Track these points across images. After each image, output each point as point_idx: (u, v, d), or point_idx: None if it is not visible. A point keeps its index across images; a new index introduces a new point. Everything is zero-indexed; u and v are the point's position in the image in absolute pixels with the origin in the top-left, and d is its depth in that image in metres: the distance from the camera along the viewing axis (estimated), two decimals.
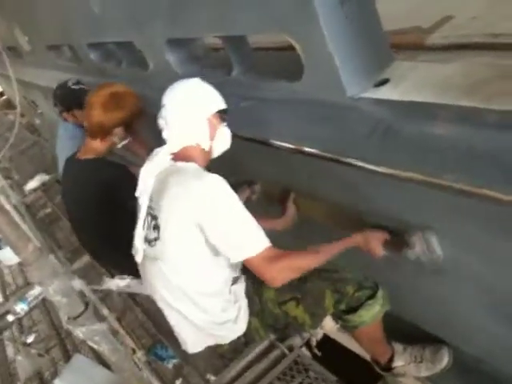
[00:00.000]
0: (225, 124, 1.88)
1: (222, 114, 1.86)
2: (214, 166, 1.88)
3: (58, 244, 4.18)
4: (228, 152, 1.91)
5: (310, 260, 1.75)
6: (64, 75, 4.34)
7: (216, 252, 1.70)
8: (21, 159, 6.40)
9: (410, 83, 1.51)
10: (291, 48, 1.70)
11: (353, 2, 1.55)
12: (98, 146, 2.32)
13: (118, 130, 2.30)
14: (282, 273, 1.67)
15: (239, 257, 1.67)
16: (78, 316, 1.53)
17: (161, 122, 1.82)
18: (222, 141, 1.89)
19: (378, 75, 1.61)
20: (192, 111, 1.80)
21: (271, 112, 2.01)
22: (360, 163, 1.57)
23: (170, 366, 2.66)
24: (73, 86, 2.89)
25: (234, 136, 1.89)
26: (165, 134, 1.82)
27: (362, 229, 1.86)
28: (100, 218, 2.32)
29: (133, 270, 2.02)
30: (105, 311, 1.61)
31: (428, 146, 1.38)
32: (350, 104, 1.62)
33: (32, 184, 4.83)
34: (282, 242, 1.70)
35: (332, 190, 1.97)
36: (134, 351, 2.61)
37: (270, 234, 1.66)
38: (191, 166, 1.77)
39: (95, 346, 1.56)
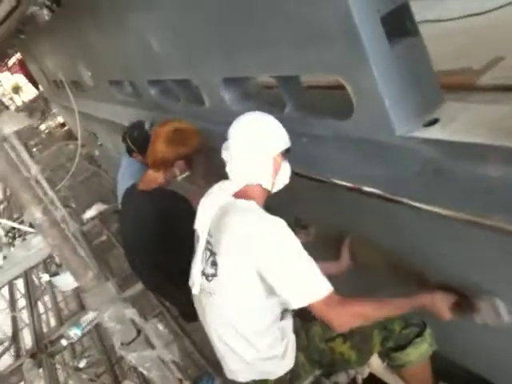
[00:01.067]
0: (286, 160, 1.90)
1: (285, 152, 1.88)
2: (270, 202, 1.92)
3: (111, 271, 4.32)
4: (283, 188, 1.94)
5: (376, 310, 1.72)
6: (124, 109, 4.58)
7: (271, 292, 1.70)
8: (79, 189, 6.69)
9: (460, 124, 1.52)
10: (342, 87, 1.75)
11: (403, 43, 1.59)
12: (158, 177, 2.43)
13: (180, 163, 2.41)
14: (347, 320, 1.67)
15: (302, 302, 1.66)
16: (131, 342, 1.59)
17: (225, 155, 1.84)
18: (283, 177, 1.91)
19: (428, 115, 1.63)
20: (259, 150, 1.81)
21: (324, 149, 2.04)
22: (411, 202, 1.58)
23: None
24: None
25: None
26: (228, 169, 1.84)
27: (431, 288, 1.79)
28: (156, 246, 2.40)
29: (183, 300, 2.07)
30: (154, 340, 1.66)
31: (478, 187, 1.38)
32: (400, 143, 1.64)
33: (90, 213, 5.03)
34: (337, 289, 1.68)
35: (384, 233, 1.96)
36: (180, 381, 2.65)
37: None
38: (252, 206, 1.78)
39: (145, 372, 1.61)
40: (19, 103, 17.98)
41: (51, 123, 14.70)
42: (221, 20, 2.18)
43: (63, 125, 13.07)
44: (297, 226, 2.47)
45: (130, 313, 1.58)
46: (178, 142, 2.39)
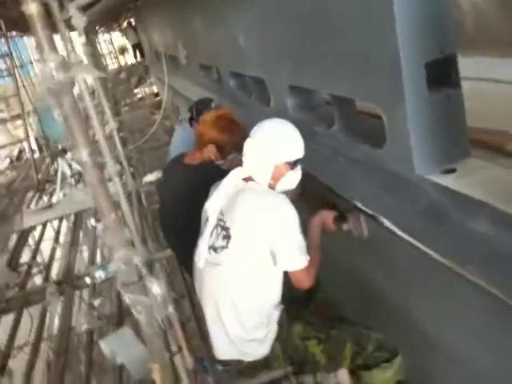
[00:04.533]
0: (297, 168, 2.04)
1: (293, 162, 2.02)
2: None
3: (156, 237, 4.50)
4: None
5: (317, 260, 2.02)
6: (205, 92, 4.86)
7: (274, 263, 1.93)
8: (150, 154, 7.05)
9: (474, 179, 1.61)
10: None
11: (442, 91, 1.70)
12: (199, 156, 2.63)
13: (211, 146, 2.59)
14: (310, 277, 1.98)
15: (294, 267, 1.94)
16: (130, 284, 1.80)
17: (244, 148, 2.06)
18: (286, 183, 2.05)
19: (449, 164, 1.73)
20: (264, 154, 1.99)
21: (354, 172, 2.19)
22: (408, 238, 1.71)
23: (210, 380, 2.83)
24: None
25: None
26: (244, 159, 2.06)
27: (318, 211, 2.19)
28: (191, 215, 2.55)
29: None
30: (155, 288, 1.85)
31: (464, 237, 1.48)
32: (416, 182, 1.76)
33: (149, 177, 5.33)
34: None
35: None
36: (180, 349, 2.83)
37: None
38: (260, 186, 2.00)
39: (135, 313, 1.81)
40: (122, 63, 18.97)
41: (147, 90, 15.43)
42: (297, 33, 2.38)
43: (157, 95, 13.65)
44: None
45: (137, 259, 1.79)
46: (214, 126, 2.58)
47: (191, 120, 3.40)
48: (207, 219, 2.06)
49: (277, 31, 2.66)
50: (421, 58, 1.63)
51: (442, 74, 1.70)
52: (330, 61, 2.12)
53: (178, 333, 3.02)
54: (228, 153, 2.64)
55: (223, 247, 1.97)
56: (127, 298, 1.83)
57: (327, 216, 2.18)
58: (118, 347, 2.50)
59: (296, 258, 1.92)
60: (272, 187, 2.04)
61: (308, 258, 1.94)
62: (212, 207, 2.06)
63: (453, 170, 1.69)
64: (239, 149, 2.67)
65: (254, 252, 1.93)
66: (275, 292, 2.02)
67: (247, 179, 2.04)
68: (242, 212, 1.94)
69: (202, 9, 4.26)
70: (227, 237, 1.97)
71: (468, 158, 1.76)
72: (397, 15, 1.59)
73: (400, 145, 1.79)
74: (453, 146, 1.75)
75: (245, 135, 2.67)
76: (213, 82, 4.80)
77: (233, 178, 2.05)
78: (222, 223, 2.01)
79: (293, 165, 2.02)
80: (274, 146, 1.99)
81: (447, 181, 1.65)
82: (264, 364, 2.08)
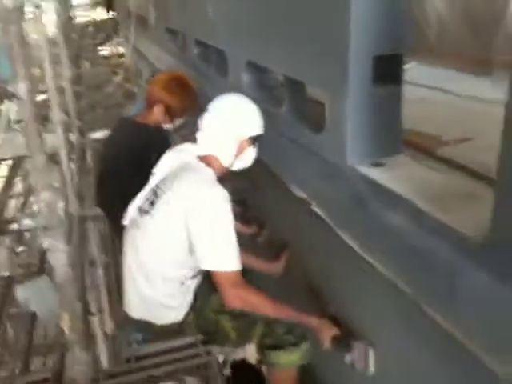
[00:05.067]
0: (254, 146, 2.09)
1: (254, 138, 2.06)
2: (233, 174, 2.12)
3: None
4: (250, 170, 2.14)
5: (266, 306, 1.92)
6: (169, 58, 4.80)
7: (191, 251, 1.90)
8: (102, 114, 6.90)
9: (398, 175, 1.67)
10: None
11: (385, 87, 1.75)
12: (146, 116, 2.62)
13: (159, 107, 2.57)
14: (238, 300, 1.87)
15: (209, 266, 1.87)
16: (52, 229, 1.77)
17: (199, 123, 2.04)
18: (244, 160, 2.10)
19: (380, 158, 1.78)
20: (227, 130, 2.00)
21: (295, 153, 2.22)
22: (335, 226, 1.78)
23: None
24: None
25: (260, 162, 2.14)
26: (198, 135, 2.04)
27: (322, 317, 2.02)
28: (125, 175, 2.53)
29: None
30: (74, 239, 1.84)
31: (379, 228, 1.55)
32: (346, 171, 1.81)
33: (98, 134, 5.22)
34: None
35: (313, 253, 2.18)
36: (100, 311, 2.81)
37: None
38: (208, 173, 1.98)
39: (50, 260, 1.79)
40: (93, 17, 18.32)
41: (113, 49, 14.98)
42: (260, 10, 2.40)
43: (122, 55, 13.31)
44: (256, 220, 2.70)
45: (61, 205, 1.77)
46: (165, 87, 2.57)
47: None
48: (150, 181, 2.06)
49: (243, 5, 2.66)
50: (370, 50, 1.66)
51: (387, 71, 1.75)
52: (286, 42, 2.14)
53: (101, 296, 3.01)
54: (176, 116, 2.65)
55: (147, 212, 1.98)
56: (45, 242, 1.80)
57: (327, 331, 1.97)
58: (33, 295, 2.47)
59: (217, 257, 1.86)
60: (230, 164, 2.05)
61: (239, 267, 1.86)
62: (157, 171, 2.05)
63: (382, 164, 1.75)
64: (188, 114, 2.68)
65: (171, 232, 1.91)
66: (191, 267, 2.01)
67: (202, 158, 2.01)
68: (174, 189, 1.92)
69: None
70: (153, 204, 1.97)
71: (398, 154, 1.82)
72: (353, 5, 1.62)
73: (336, 133, 1.83)
74: (386, 142, 1.81)
75: (196, 102, 2.68)
76: (177, 49, 4.73)
77: (188, 153, 2.02)
78: (157, 189, 2.00)
79: (253, 141, 2.05)
80: (239, 120, 2.00)
81: (374, 173, 1.70)
82: (176, 330, 2.11)
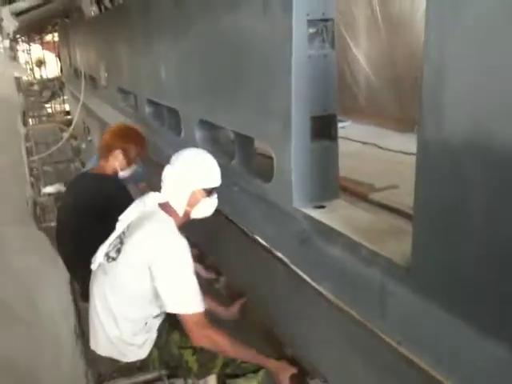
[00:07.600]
0: (213, 196, 2.25)
1: (210, 189, 2.22)
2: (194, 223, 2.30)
3: None
4: (210, 220, 2.33)
5: (230, 347, 2.11)
6: (121, 116, 5.03)
7: (155, 296, 2.08)
8: (52, 168, 6.99)
9: (337, 215, 1.96)
10: None
11: (321, 142, 2.05)
12: (104, 165, 2.82)
13: (117, 152, 2.79)
14: (205, 339, 2.08)
15: (175, 310, 2.06)
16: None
17: (162, 174, 2.21)
18: (202, 210, 2.25)
19: (321, 201, 2.07)
20: (182, 181, 2.16)
21: (246, 202, 2.49)
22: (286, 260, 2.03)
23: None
24: None
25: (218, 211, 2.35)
26: (162, 185, 2.22)
27: (280, 359, 2.24)
28: (86, 226, 2.65)
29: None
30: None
31: (323, 258, 1.82)
32: (293, 212, 2.08)
33: (49, 189, 5.31)
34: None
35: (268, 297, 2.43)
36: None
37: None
38: (169, 222, 2.15)
39: None
40: (37, 76, 18.46)
41: (58, 107, 15.08)
42: (210, 72, 2.72)
43: (68, 113, 13.40)
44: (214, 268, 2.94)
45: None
46: (120, 135, 2.83)
47: None
48: (116, 229, 2.20)
49: (193, 68, 2.97)
50: (308, 111, 1.98)
51: (323, 129, 2.06)
52: (235, 101, 2.45)
53: None
54: (133, 161, 2.88)
55: (113, 259, 2.14)
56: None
57: (285, 372, 2.17)
58: None
59: (181, 302, 2.05)
60: (188, 213, 2.20)
61: (202, 308, 2.05)
62: (123, 219, 2.18)
63: (322, 207, 2.04)
64: (142, 158, 2.93)
65: (136, 278, 2.08)
66: (155, 309, 2.19)
67: (162, 206, 2.18)
68: (137, 236, 2.09)
69: (128, 35, 4.51)
70: (119, 251, 2.13)
71: (337, 199, 2.12)
72: (293, 74, 1.94)
73: (283, 181, 2.11)
74: (325, 188, 2.10)
75: (146, 147, 2.95)
76: (129, 107, 4.98)
77: (151, 201, 2.18)
78: (122, 236, 2.16)
79: (209, 192, 2.21)
80: (193, 172, 2.15)
81: (316, 214, 1.98)
82: (140, 366, 2.26)
